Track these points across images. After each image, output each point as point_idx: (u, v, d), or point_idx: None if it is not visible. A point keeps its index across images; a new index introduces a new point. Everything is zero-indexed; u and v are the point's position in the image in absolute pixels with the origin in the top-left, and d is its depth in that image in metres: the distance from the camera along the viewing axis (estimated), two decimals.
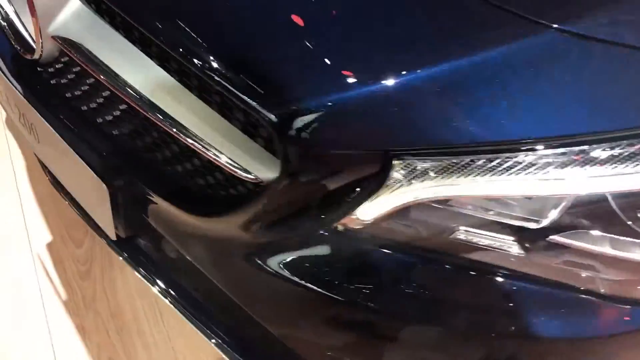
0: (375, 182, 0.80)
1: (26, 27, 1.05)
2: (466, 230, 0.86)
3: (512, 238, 0.86)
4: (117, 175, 1.01)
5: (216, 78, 0.78)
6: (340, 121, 0.76)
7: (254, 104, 0.76)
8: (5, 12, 1.07)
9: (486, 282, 0.88)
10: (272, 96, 0.76)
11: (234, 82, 0.77)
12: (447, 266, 0.88)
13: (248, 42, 0.78)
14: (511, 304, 0.88)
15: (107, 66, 0.95)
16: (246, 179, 0.86)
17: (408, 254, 0.88)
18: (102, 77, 0.95)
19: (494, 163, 0.76)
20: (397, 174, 0.79)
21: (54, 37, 1.00)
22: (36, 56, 1.05)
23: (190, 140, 0.89)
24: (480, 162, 0.77)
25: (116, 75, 0.94)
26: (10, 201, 1.68)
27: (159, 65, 0.92)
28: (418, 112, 0.75)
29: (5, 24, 1.10)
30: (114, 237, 1.10)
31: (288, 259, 0.92)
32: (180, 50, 0.79)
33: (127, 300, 1.51)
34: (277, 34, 0.78)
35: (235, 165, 0.86)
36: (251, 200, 0.88)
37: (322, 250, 0.90)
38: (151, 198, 1.00)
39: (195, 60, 0.79)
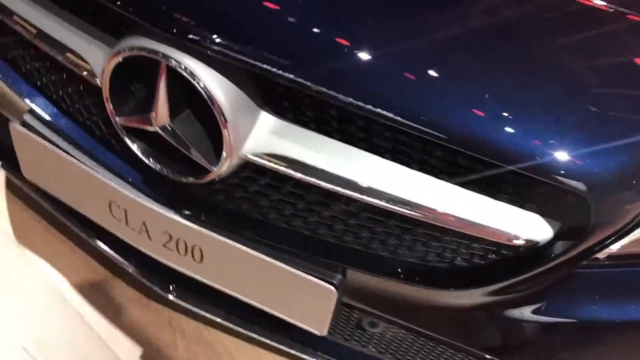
0: None
1: (197, 151, 0.97)
2: None
3: None
4: (342, 274, 1.00)
5: (507, 162, 0.81)
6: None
7: (559, 177, 0.81)
8: (158, 140, 0.98)
9: None
10: (582, 164, 0.81)
11: (530, 160, 0.81)
12: None
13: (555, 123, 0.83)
14: None
15: (325, 171, 0.93)
16: (513, 244, 0.91)
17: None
18: (321, 182, 0.93)
19: None
20: None
21: (247, 156, 0.95)
22: (212, 177, 0.97)
23: (441, 222, 0.91)
24: None
25: (340, 177, 0.93)
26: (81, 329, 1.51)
27: (391, 159, 0.92)
28: None
29: (148, 157, 1.02)
30: (325, 333, 1.08)
31: (539, 305, 0.99)
32: (469, 143, 0.81)
33: None
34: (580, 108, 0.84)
35: (505, 232, 0.90)
36: (517, 264, 0.93)
37: (575, 284, 0.98)
38: (381, 285, 1.01)
39: (489, 157, 0.81)
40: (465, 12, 0.92)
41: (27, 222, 1.67)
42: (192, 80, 0.89)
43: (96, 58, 1.00)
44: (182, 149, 0.97)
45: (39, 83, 1.15)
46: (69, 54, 1.02)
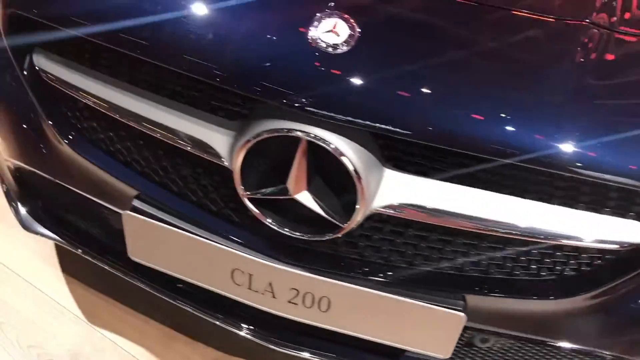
0: None
1: (329, 210, 1.07)
2: None
3: None
4: (463, 300, 1.13)
5: None
6: None
7: None
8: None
9: None
10: None
11: None
12: None
13: None
14: None
15: (448, 212, 1.06)
16: (615, 249, 1.07)
17: None
18: (446, 223, 1.06)
19: None
20: None
21: (378, 209, 1.06)
22: (344, 232, 1.08)
23: (559, 242, 1.06)
24: None
25: (463, 215, 1.06)
26: None
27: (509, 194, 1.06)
28: None
29: (281, 225, 1.11)
30: (449, 356, 1.19)
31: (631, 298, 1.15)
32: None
33: None
34: None
35: (608, 240, 1.05)
36: (619, 267, 1.09)
37: None
38: (497, 304, 1.14)
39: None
40: None
41: (92, 301, 1.70)
42: (328, 149, 1.00)
43: (220, 141, 1.09)
44: (316, 211, 1.07)
45: (147, 170, 1.22)
46: (190, 142, 1.12)
